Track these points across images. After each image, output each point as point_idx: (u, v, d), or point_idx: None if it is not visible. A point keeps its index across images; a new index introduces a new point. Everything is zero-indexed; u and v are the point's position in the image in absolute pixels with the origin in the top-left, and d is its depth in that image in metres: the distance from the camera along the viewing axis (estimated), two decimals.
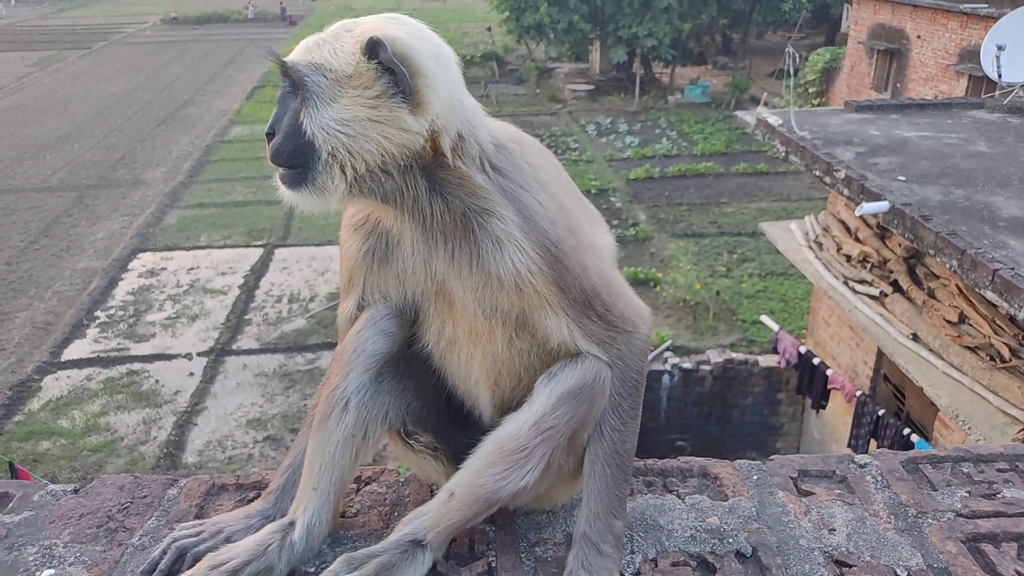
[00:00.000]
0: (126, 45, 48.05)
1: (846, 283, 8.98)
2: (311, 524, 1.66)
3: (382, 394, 1.70)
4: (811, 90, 23.47)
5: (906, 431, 8.61)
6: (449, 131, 1.51)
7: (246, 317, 16.01)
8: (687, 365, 12.18)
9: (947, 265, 6.46)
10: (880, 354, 9.34)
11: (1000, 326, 7.07)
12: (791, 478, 1.96)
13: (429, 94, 1.48)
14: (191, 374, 14.03)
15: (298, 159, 1.50)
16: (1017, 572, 1.65)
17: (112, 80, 37.53)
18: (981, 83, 14.95)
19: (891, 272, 8.50)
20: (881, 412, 9.02)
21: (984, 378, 7.07)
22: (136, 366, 14.31)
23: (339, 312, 1.80)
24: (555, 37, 30.06)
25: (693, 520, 1.80)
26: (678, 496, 1.89)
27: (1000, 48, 9.79)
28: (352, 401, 1.65)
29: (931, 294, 7.94)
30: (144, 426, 12.65)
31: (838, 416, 10.60)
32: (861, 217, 8.25)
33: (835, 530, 1.78)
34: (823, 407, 10.64)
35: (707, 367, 12.16)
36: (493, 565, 1.68)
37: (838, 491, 1.93)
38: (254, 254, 18.73)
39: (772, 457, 2.07)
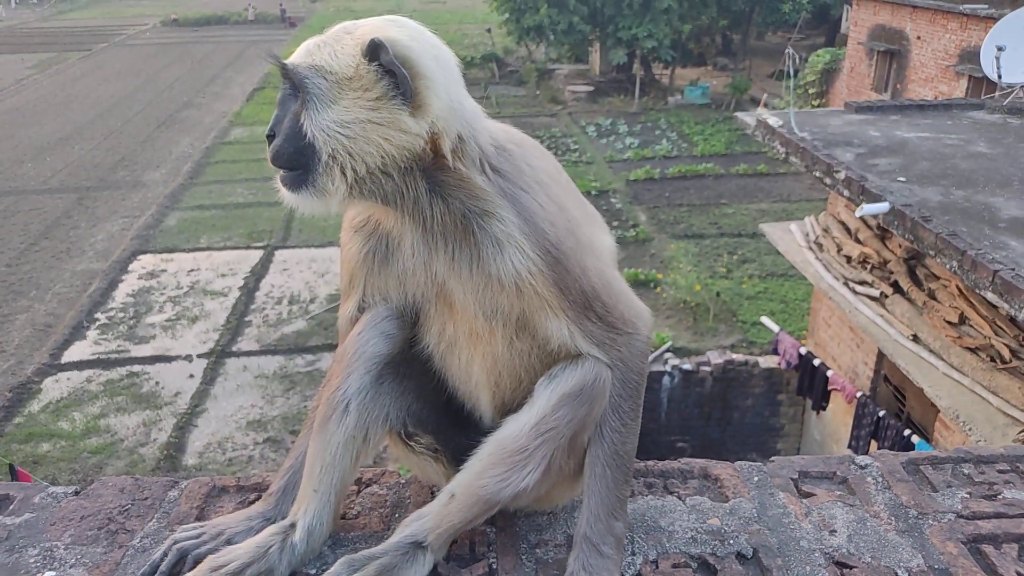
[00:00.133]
0: (126, 47, 48.07)
1: (846, 284, 8.98)
2: (312, 526, 1.66)
3: (383, 396, 1.70)
4: (811, 91, 23.45)
5: (907, 432, 8.61)
6: (449, 133, 1.51)
7: (246, 319, 16.00)
8: (687, 366, 12.17)
9: (947, 266, 6.46)
10: (880, 355, 9.34)
11: (1000, 327, 7.07)
12: (792, 479, 1.96)
13: (429, 96, 1.48)
14: (191, 376, 14.02)
15: (299, 161, 1.50)
16: (1018, 573, 1.65)
17: (112, 82, 37.54)
18: (981, 84, 14.95)
19: (891, 273, 8.50)
20: (882, 413, 9.02)
21: (984, 379, 7.07)
22: (136, 368, 14.30)
23: (340, 314, 1.80)
24: (555, 38, 30.08)
25: (694, 521, 1.80)
26: (679, 497, 1.89)
27: (1000, 49, 9.80)
28: (353, 403, 1.65)
29: (931, 295, 7.94)
30: (144, 428, 12.65)
31: (839, 417, 10.60)
32: (861, 218, 8.26)
33: (836, 531, 1.78)
34: (823, 408, 10.63)
35: (707, 368, 12.16)
36: (494, 567, 1.68)
37: (839, 492, 1.93)
38: (254, 256, 18.72)
39: (773, 458, 2.07)
